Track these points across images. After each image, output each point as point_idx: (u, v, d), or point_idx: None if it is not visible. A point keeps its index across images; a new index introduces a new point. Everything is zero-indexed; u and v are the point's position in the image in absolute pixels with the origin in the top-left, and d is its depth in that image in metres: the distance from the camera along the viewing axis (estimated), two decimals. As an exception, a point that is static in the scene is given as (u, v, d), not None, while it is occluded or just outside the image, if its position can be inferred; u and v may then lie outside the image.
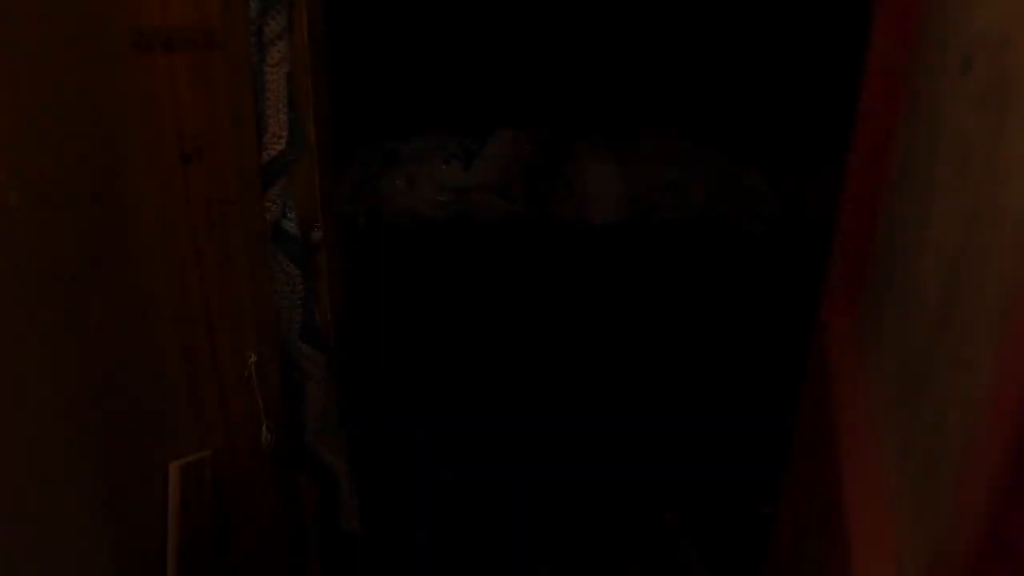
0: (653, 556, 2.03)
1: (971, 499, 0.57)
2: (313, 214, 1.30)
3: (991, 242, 0.65)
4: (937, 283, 0.84)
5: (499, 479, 2.17)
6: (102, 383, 1.05)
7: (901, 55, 1.18)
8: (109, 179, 1.04)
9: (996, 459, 0.52)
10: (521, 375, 2.48)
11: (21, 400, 0.88)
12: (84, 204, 1.00)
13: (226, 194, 1.10)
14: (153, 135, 1.06)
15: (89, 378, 1.02)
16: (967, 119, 0.80)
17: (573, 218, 2.75)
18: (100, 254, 1.03)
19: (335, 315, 1.40)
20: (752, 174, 2.77)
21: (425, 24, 2.80)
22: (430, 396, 2.40)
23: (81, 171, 0.99)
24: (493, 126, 2.83)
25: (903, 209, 1.08)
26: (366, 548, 1.60)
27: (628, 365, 2.54)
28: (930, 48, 1.02)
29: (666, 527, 2.11)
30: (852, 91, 1.22)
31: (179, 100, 1.05)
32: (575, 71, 2.88)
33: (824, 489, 1.14)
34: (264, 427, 1.24)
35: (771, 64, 2.83)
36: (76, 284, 0.99)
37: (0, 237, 0.83)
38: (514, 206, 2.73)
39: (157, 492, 1.18)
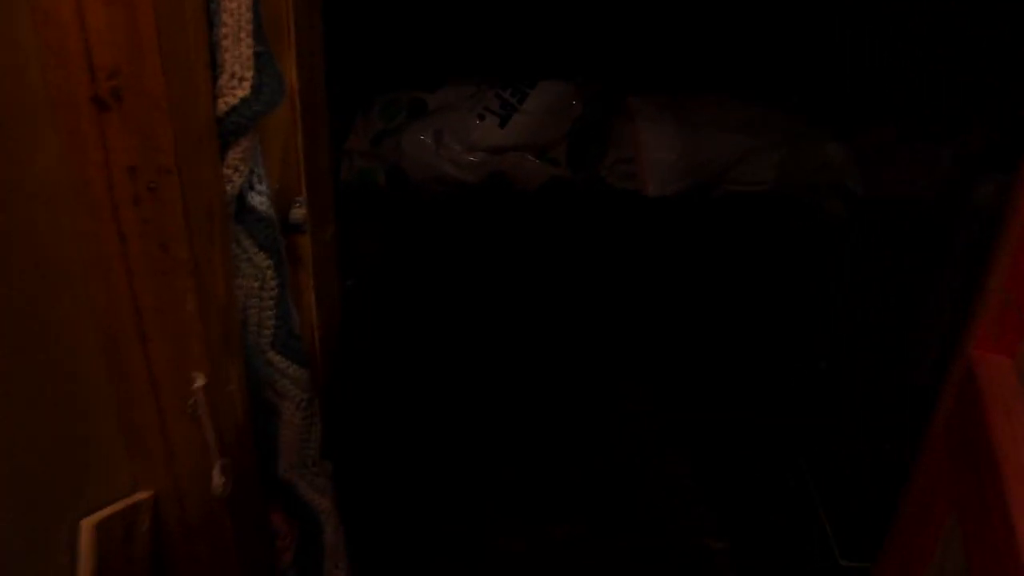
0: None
1: None
2: (294, 185, 0.98)
3: None
4: None
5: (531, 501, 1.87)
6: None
7: None
8: (-13, 131, 0.72)
9: None
10: (559, 370, 2.17)
11: None
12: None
13: (160, 156, 0.78)
14: (52, 71, 0.74)
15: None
16: None
17: (624, 187, 2.40)
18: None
19: (322, 318, 1.08)
20: (834, 146, 2.39)
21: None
22: (450, 403, 2.09)
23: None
24: (535, 77, 2.47)
25: None
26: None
27: (682, 358, 2.22)
28: None
29: (710, 551, 1.81)
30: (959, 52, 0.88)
31: (88, 20, 0.72)
32: (632, 15, 2.50)
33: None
34: (217, 468, 0.93)
35: (855, 23, 2.44)
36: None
37: None
38: (556, 170, 2.39)
39: (67, 552, 0.88)
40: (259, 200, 0.92)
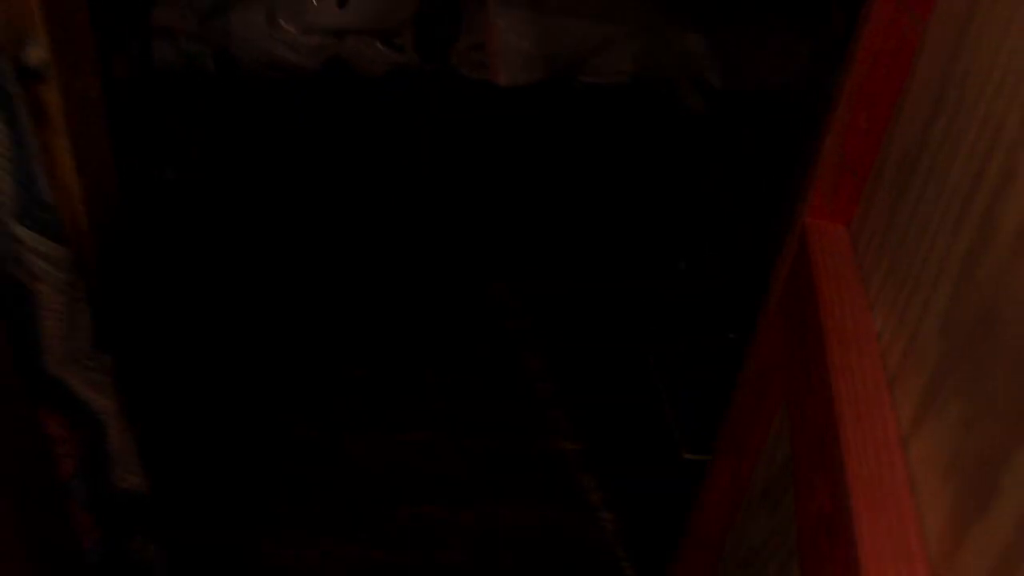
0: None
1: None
2: (27, 20, 0.80)
3: None
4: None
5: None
6: None
7: None
8: None
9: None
10: (411, 270, 2.06)
11: None
12: None
13: None
14: None
15: None
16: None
17: (475, 76, 2.27)
18: None
19: (88, 187, 0.92)
20: (693, 37, 2.32)
21: None
22: (289, 300, 1.95)
23: None
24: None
25: (957, 95, 0.70)
26: (158, 507, 1.18)
27: (540, 257, 2.14)
28: None
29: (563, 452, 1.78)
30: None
31: None
32: None
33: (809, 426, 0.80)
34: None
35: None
36: None
37: None
38: (401, 57, 2.22)
39: None
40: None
